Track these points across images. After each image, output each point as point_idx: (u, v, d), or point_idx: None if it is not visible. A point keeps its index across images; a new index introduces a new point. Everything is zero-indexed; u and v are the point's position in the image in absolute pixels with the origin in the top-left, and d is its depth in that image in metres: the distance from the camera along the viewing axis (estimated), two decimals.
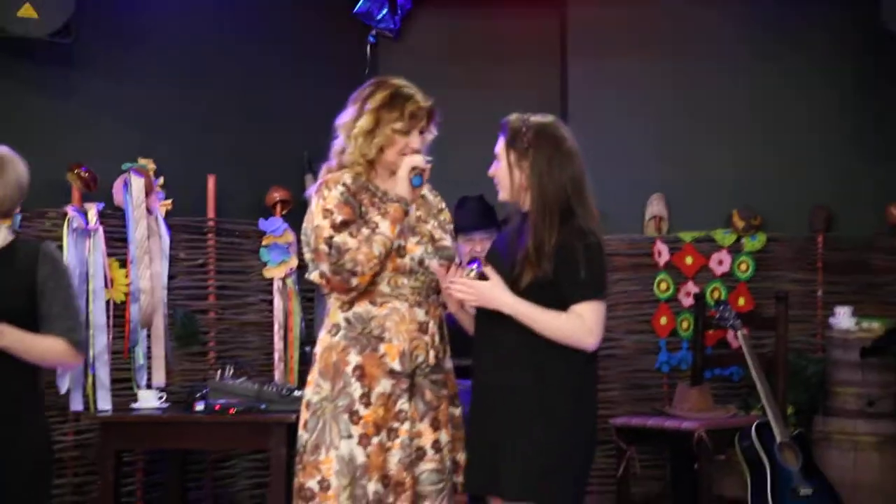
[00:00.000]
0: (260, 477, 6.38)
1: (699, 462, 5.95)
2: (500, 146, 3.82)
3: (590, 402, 3.78)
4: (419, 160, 3.86)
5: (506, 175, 3.79)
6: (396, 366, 3.81)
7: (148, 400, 5.69)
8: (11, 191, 3.93)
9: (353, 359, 3.82)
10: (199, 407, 5.46)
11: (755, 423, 5.89)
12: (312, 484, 3.81)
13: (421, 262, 3.86)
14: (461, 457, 3.94)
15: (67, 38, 5.80)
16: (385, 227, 3.77)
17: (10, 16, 5.62)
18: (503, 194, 3.84)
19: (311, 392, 3.87)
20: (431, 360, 3.86)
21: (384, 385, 3.80)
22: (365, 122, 3.87)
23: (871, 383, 6.36)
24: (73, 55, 5.97)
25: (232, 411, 5.33)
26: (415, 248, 3.86)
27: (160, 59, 6.29)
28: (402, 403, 3.81)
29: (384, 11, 7.20)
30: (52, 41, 5.78)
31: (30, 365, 3.89)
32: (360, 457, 3.76)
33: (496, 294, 3.71)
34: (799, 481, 5.80)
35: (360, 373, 3.80)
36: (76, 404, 5.68)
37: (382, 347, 3.82)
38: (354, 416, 3.78)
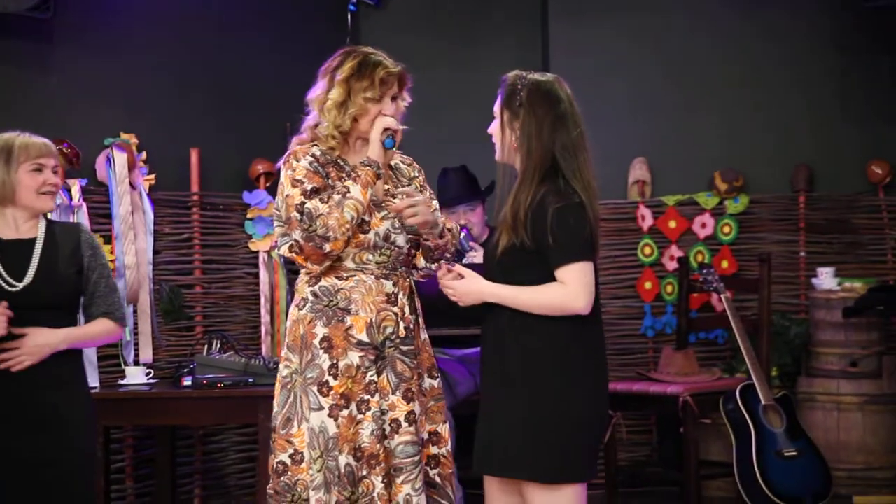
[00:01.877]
0: (249, 451, 6.41)
1: (685, 426, 5.99)
2: (497, 104, 3.70)
3: (584, 371, 3.61)
4: (391, 121, 3.84)
5: (498, 134, 3.68)
6: (364, 337, 3.80)
7: (135, 376, 5.70)
8: None
9: (320, 331, 3.81)
10: (187, 382, 5.47)
11: (739, 386, 5.93)
12: (284, 458, 3.81)
13: (387, 238, 3.85)
14: (442, 428, 3.95)
15: (46, 13, 5.77)
16: (356, 191, 3.76)
17: None
18: (497, 154, 3.72)
19: (282, 366, 3.89)
20: (402, 331, 3.85)
21: (352, 357, 3.79)
22: (336, 93, 3.85)
23: (853, 343, 6.42)
24: (52, 30, 5.95)
25: (220, 386, 5.34)
26: (380, 223, 3.84)
27: (140, 32, 6.27)
28: (372, 375, 3.79)
29: None
30: (31, 16, 5.75)
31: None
32: (332, 428, 3.75)
33: (475, 288, 3.63)
34: (783, 443, 5.85)
35: (328, 344, 3.79)
36: None
37: (349, 319, 3.81)
38: (324, 388, 3.77)
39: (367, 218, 3.82)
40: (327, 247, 3.73)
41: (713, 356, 6.81)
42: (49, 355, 4.00)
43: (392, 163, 4.02)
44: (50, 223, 4.18)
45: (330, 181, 3.83)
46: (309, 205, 3.74)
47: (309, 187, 3.77)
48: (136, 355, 6.00)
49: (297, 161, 3.83)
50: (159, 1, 6.34)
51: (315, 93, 3.93)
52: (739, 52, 7.01)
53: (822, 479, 5.86)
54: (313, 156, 3.85)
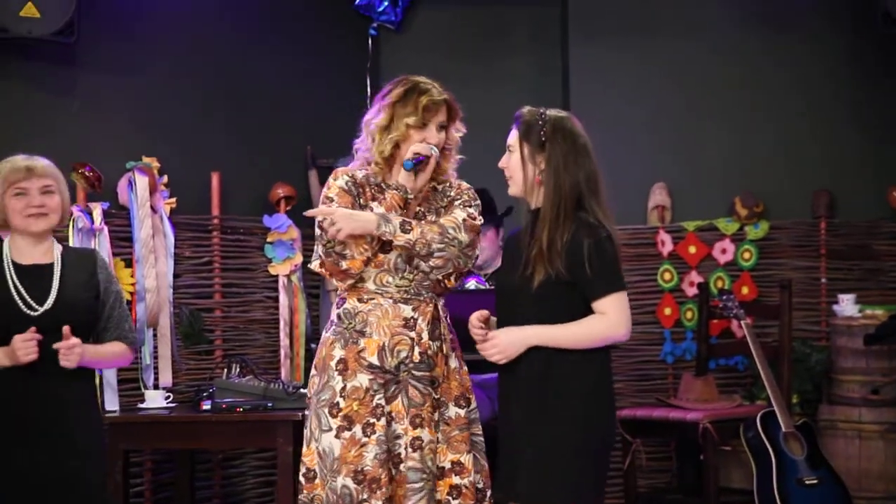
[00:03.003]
0: (268, 475, 6.41)
1: (705, 453, 5.97)
2: (514, 138, 3.76)
3: (603, 399, 3.72)
4: (423, 147, 3.85)
5: (518, 169, 3.73)
6: (374, 360, 3.83)
7: (155, 400, 5.71)
8: (67, 205, 4.27)
9: (338, 353, 3.87)
10: (206, 406, 5.48)
11: (760, 413, 5.91)
12: (300, 477, 3.90)
13: (409, 261, 3.86)
14: (466, 458, 3.93)
15: (70, 38, 5.80)
16: (380, 211, 3.79)
17: (12, 15, 5.63)
18: (514, 188, 3.78)
19: (310, 387, 3.96)
20: (416, 356, 3.85)
21: (361, 379, 3.82)
22: (381, 118, 3.90)
23: (875, 371, 6.38)
24: (76, 54, 5.98)
25: (239, 410, 5.35)
26: (384, 238, 3.84)
27: (163, 56, 6.30)
28: (379, 398, 3.82)
29: (385, 4, 7.20)
30: (55, 40, 5.78)
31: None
32: (337, 449, 3.81)
33: (514, 339, 3.68)
34: (804, 470, 5.83)
35: (343, 366, 3.85)
36: None
37: (362, 342, 3.85)
38: (334, 409, 3.82)
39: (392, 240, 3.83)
40: (344, 264, 3.79)
41: (733, 383, 6.78)
42: (64, 376, 4.04)
43: (438, 185, 4.02)
44: (65, 248, 4.24)
45: (363, 201, 3.86)
46: (326, 225, 3.78)
47: (335, 206, 3.81)
48: (156, 379, 6.00)
49: (335, 180, 3.90)
50: (181, 26, 6.36)
51: (367, 116, 3.99)
52: (759, 77, 7.00)
53: None
54: (352, 176, 3.90)
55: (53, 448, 4.04)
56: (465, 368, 4.03)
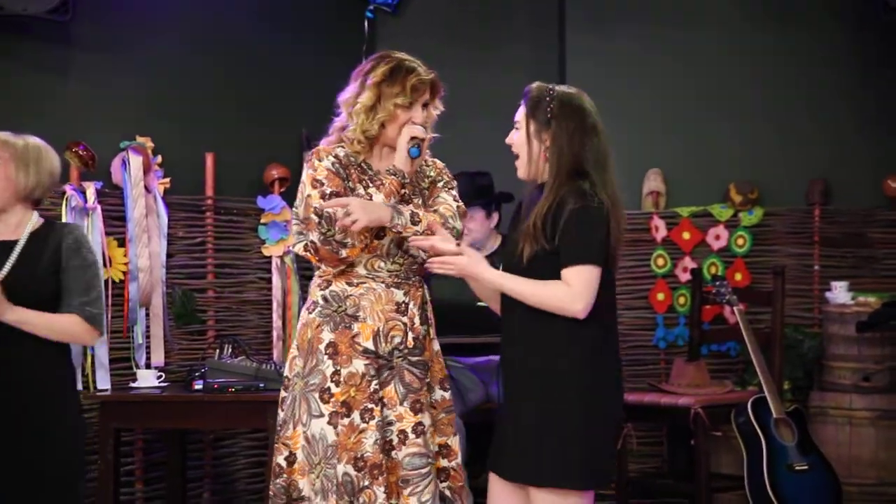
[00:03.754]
0: (259, 455, 6.41)
1: (696, 438, 5.98)
2: (520, 115, 3.66)
3: (602, 381, 3.60)
4: (419, 130, 3.83)
5: (523, 145, 3.64)
6: (370, 345, 3.78)
7: (147, 379, 5.71)
8: (45, 178, 4.11)
9: (327, 336, 3.80)
10: (198, 386, 5.48)
11: (751, 399, 5.91)
12: (280, 459, 3.82)
13: (400, 245, 3.83)
14: (452, 441, 3.93)
15: (65, 16, 5.79)
16: (379, 199, 3.76)
17: None
18: (521, 169, 3.68)
19: (288, 368, 3.89)
20: (410, 341, 3.83)
21: (356, 365, 3.77)
22: (366, 97, 3.83)
23: (866, 358, 6.39)
24: (70, 32, 5.96)
25: (230, 390, 5.35)
26: (393, 231, 3.81)
27: (158, 36, 6.28)
28: (375, 384, 3.77)
29: None
30: (50, 18, 5.77)
31: (55, 344, 4.03)
32: (331, 436, 3.74)
33: (475, 269, 3.55)
34: (794, 456, 5.84)
35: (333, 350, 3.78)
36: None
37: (356, 326, 3.79)
38: (325, 395, 3.76)
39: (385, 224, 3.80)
40: (344, 252, 3.73)
41: (725, 369, 6.79)
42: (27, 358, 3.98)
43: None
44: (46, 224, 4.14)
45: (350, 183, 3.81)
46: (328, 212, 3.72)
47: (328, 191, 3.75)
48: (148, 358, 6.00)
49: (320, 161, 3.81)
50: (177, 6, 6.34)
51: (345, 95, 3.90)
52: (756, 64, 6.99)
53: (833, 494, 5.84)
54: (336, 157, 3.83)
55: (18, 434, 3.96)
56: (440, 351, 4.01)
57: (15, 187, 4.06)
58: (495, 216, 6.13)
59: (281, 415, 3.86)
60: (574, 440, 3.52)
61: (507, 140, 3.71)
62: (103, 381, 5.77)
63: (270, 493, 3.84)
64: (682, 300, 6.84)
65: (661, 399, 6.13)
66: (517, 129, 3.68)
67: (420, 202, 3.91)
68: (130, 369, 5.93)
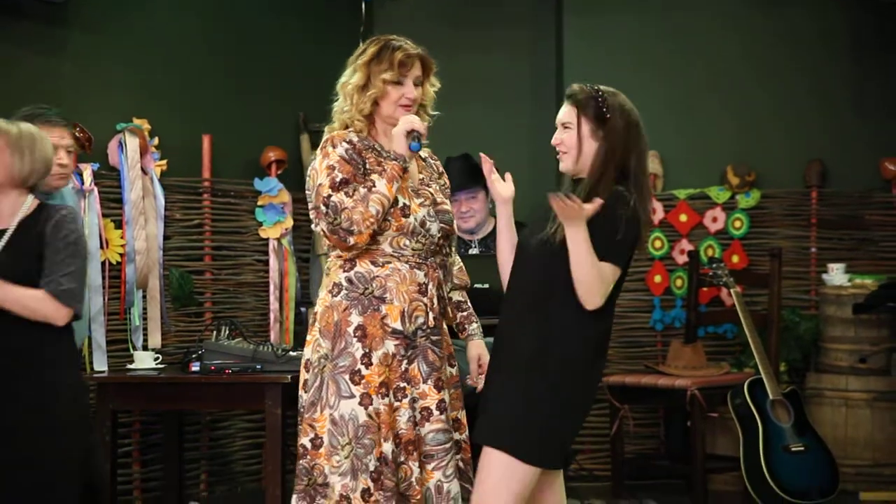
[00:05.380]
0: (256, 437, 6.44)
1: (692, 419, 6.00)
2: (572, 115, 3.71)
3: (592, 377, 3.72)
4: (416, 122, 3.84)
5: (574, 145, 3.69)
6: (398, 326, 3.82)
7: (144, 361, 5.70)
8: (39, 165, 4.09)
9: (355, 319, 3.82)
10: (195, 368, 5.47)
11: (747, 381, 5.93)
12: (306, 441, 3.82)
13: (423, 224, 3.87)
14: (461, 415, 3.97)
15: None
16: (382, 185, 3.77)
17: None
18: (567, 164, 3.73)
19: (311, 351, 3.88)
20: (431, 321, 3.87)
21: (388, 346, 3.81)
22: (357, 77, 3.89)
23: (863, 340, 6.41)
24: (67, 15, 5.95)
25: (227, 372, 5.35)
26: (418, 210, 3.86)
27: (155, 18, 6.27)
28: (405, 364, 3.83)
29: None
30: (47, 1, 5.76)
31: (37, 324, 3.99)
32: (362, 416, 3.76)
33: (582, 223, 3.56)
34: (791, 438, 5.86)
35: (362, 333, 3.81)
36: None
37: (384, 308, 3.82)
38: (356, 377, 3.78)
39: (407, 202, 3.83)
40: (351, 240, 3.75)
41: (722, 350, 6.80)
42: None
43: (423, 154, 4.04)
44: (40, 207, 4.10)
45: (368, 167, 3.84)
46: (335, 198, 3.74)
47: (339, 178, 3.78)
48: (145, 340, 6.01)
49: (333, 148, 3.84)
50: None
51: (341, 80, 3.97)
52: (753, 46, 7.00)
53: (828, 474, 5.86)
54: (350, 142, 3.86)
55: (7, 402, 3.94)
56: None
57: (10, 174, 4.05)
58: (489, 197, 6.13)
59: (305, 396, 3.87)
60: (533, 410, 3.62)
61: (554, 141, 3.76)
62: (100, 363, 5.77)
63: (296, 471, 3.88)
64: (679, 282, 6.85)
65: (658, 381, 6.15)
66: (567, 128, 3.73)
67: (437, 189, 3.97)
68: (127, 351, 5.93)
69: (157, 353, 5.84)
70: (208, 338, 5.73)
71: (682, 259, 6.84)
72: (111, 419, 5.40)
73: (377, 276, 3.84)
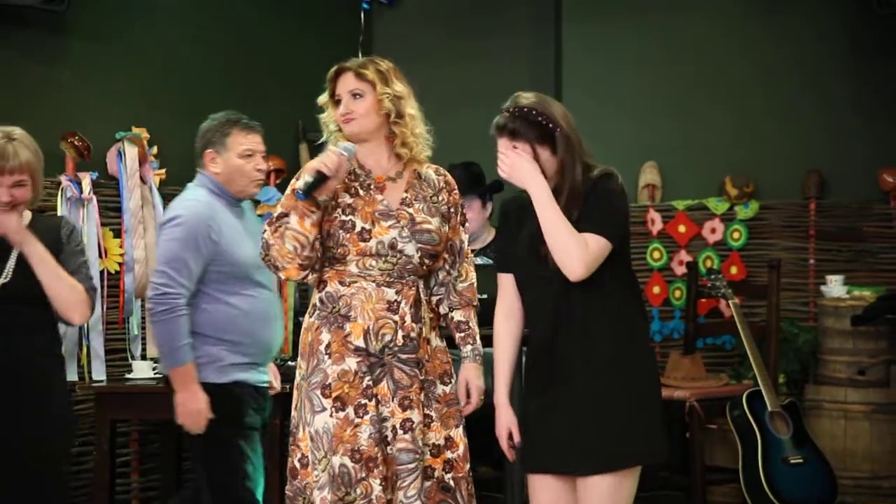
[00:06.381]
0: None
1: (691, 431, 5.99)
2: (522, 145, 3.64)
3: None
4: (315, 165, 3.76)
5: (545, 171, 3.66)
6: (360, 343, 3.81)
7: (142, 370, 5.70)
8: (39, 188, 4.18)
9: (325, 337, 3.85)
10: None
11: (746, 392, 5.92)
12: (295, 462, 3.87)
13: (393, 246, 3.85)
14: (455, 433, 3.95)
15: (61, 6, 5.77)
16: (294, 222, 3.78)
17: None
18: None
19: (297, 374, 3.94)
20: (399, 339, 3.85)
21: (349, 363, 3.81)
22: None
23: (861, 352, 6.40)
24: (66, 22, 5.95)
25: None
26: (385, 232, 3.83)
27: (154, 27, 6.27)
28: (368, 381, 3.81)
29: None
30: (46, 9, 5.76)
31: (51, 326, 4.08)
32: (333, 428, 3.78)
33: (528, 167, 3.60)
34: (789, 450, 5.85)
35: (331, 350, 3.83)
36: (71, 375, 5.66)
37: (348, 326, 3.83)
38: (326, 390, 3.80)
39: (367, 226, 3.83)
40: (281, 275, 3.84)
41: (720, 362, 6.80)
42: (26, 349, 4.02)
43: (422, 171, 4.01)
44: (34, 218, 4.17)
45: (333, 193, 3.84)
46: (265, 234, 3.81)
47: (277, 213, 3.80)
48: (144, 350, 6.00)
49: (297, 179, 3.85)
50: None
51: None
52: (753, 56, 7.00)
53: (827, 486, 5.85)
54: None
55: (13, 418, 3.99)
56: (445, 346, 4.02)
57: (36, 197, 4.16)
58: (489, 206, 6.11)
59: (293, 417, 3.90)
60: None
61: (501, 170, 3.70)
62: (99, 372, 5.77)
63: (288, 492, 3.88)
64: (677, 293, 6.85)
65: None
66: (523, 153, 3.66)
67: (422, 208, 3.92)
68: (126, 360, 5.92)
69: (155, 362, 5.82)
70: None
71: (680, 270, 6.84)
72: (109, 429, 5.40)
73: (343, 296, 3.85)
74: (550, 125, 3.62)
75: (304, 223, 3.76)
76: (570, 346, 3.65)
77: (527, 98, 3.69)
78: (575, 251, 3.53)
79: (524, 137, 3.64)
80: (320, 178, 3.73)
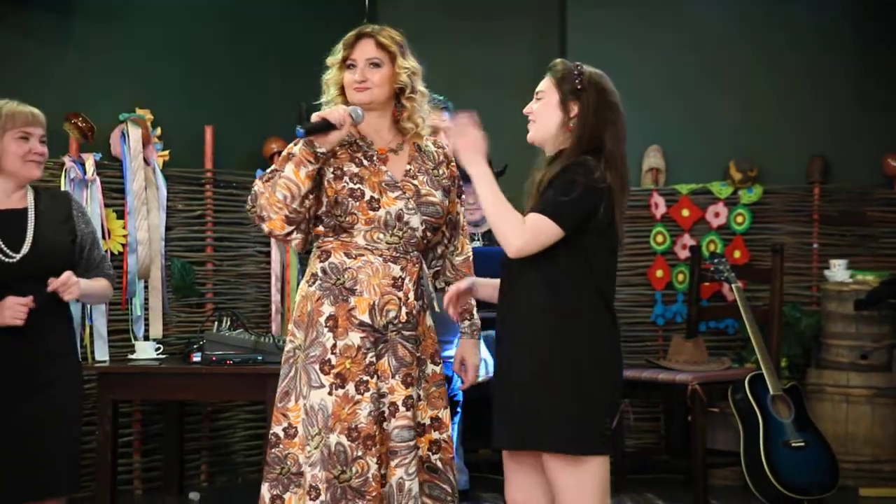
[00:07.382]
0: (256, 428, 6.44)
1: (693, 414, 5.98)
2: (546, 85, 3.68)
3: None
4: (329, 113, 3.72)
5: (545, 114, 3.65)
6: (366, 318, 3.77)
7: (145, 351, 5.72)
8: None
9: (327, 309, 3.79)
10: (196, 358, 5.49)
11: (748, 376, 5.92)
12: (278, 430, 3.80)
13: (399, 218, 3.83)
14: (443, 414, 3.95)
15: None
16: (289, 169, 3.73)
17: None
18: (535, 133, 3.68)
19: (287, 341, 3.89)
20: (403, 316, 3.82)
21: (353, 338, 3.76)
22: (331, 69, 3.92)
23: (864, 336, 6.41)
24: (70, 4, 5.95)
25: (228, 363, 5.36)
26: (392, 203, 3.80)
27: (158, 9, 6.28)
28: (371, 357, 3.77)
29: None
30: None
31: (64, 303, 4.09)
32: (331, 406, 3.75)
33: (472, 153, 3.60)
34: (791, 433, 5.85)
35: (333, 323, 3.78)
36: None
37: (353, 300, 3.78)
38: (326, 366, 3.75)
39: (376, 196, 3.78)
40: (265, 227, 3.76)
41: (723, 346, 6.80)
42: (45, 326, 4.04)
43: (422, 144, 3.98)
44: (37, 192, 4.17)
45: (335, 159, 3.81)
46: (255, 187, 3.78)
47: (270, 168, 3.79)
48: (147, 330, 6.01)
49: (295, 144, 3.82)
50: None
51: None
52: (757, 41, 6.98)
53: (829, 470, 5.86)
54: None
55: (31, 398, 4.01)
56: (433, 325, 4.01)
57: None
58: None
59: (282, 386, 3.86)
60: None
61: (526, 109, 3.72)
62: (102, 353, 5.78)
63: (267, 461, 3.84)
64: (680, 277, 6.85)
65: (659, 375, 6.14)
66: (539, 98, 3.70)
67: (426, 181, 3.90)
68: (129, 341, 5.94)
69: (158, 343, 5.85)
70: (209, 328, 5.75)
71: (683, 254, 6.84)
72: (112, 409, 5.41)
73: (349, 268, 3.80)
74: (579, 83, 3.63)
75: (300, 172, 3.69)
76: (504, 326, 3.68)
77: (591, 67, 3.71)
78: (510, 226, 3.51)
79: (559, 83, 3.64)
80: (325, 125, 3.68)
